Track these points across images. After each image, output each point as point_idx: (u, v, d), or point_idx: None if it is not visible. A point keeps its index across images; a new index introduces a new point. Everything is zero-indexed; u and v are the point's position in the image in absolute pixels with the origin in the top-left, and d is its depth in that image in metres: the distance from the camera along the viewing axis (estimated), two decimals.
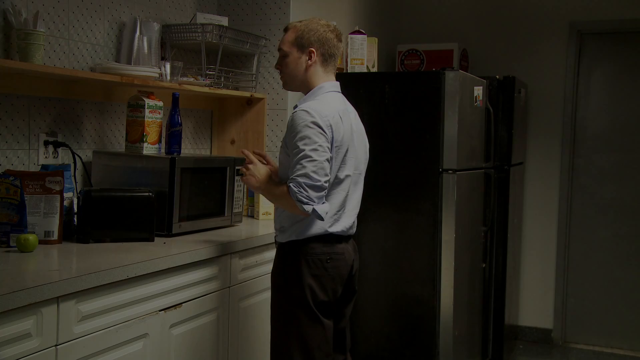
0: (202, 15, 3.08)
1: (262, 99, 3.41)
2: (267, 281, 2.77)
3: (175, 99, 2.73)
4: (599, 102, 4.58)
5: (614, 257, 4.46)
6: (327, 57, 2.28)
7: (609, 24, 4.45)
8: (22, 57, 2.28)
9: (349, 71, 3.61)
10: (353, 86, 3.48)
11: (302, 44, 2.24)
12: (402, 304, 3.39)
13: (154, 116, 2.72)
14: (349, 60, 3.62)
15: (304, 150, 2.07)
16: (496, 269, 3.95)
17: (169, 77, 2.87)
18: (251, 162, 2.32)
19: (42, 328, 1.72)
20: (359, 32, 3.63)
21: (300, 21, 2.31)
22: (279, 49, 2.31)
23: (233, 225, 2.90)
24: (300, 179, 2.06)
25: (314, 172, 2.06)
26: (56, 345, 1.77)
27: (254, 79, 3.41)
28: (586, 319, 4.52)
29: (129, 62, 2.76)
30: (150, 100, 2.71)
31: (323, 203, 2.12)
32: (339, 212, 2.25)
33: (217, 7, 3.51)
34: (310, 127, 2.09)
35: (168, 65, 2.87)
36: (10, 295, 1.60)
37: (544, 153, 4.60)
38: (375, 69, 3.77)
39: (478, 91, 3.55)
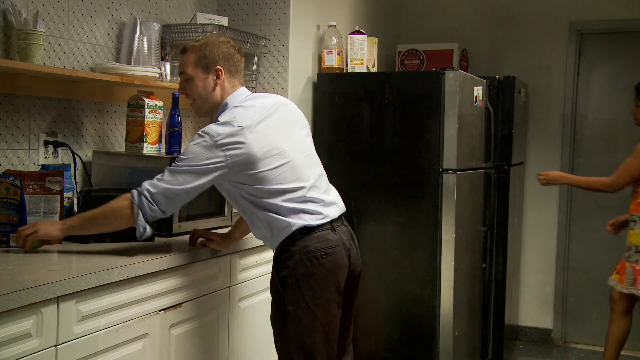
0: (202, 15, 3.08)
1: None
2: (267, 281, 2.77)
3: (175, 99, 2.73)
4: (599, 102, 4.58)
5: (614, 257, 4.45)
6: (233, 73, 2.23)
7: (609, 24, 4.45)
8: (22, 57, 2.28)
9: (349, 71, 3.61)
10: (353, 86, 3.49)
11: (206, 64, 2.19)
12: (402, 304, 3.39)
13: (154, 116, 2.72)
14: (349, 60, 3.62)
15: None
16: (496, 269, 3.95)
17: (169, 77, 2.87)
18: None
19: (42, 328, 1.72)
20: (359, 32, 3.63)
21: (198, 41, 2.25)
22: (181, 72, 2.23)
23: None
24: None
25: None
26: (56, 345, 1.76)
27: (254, 79, 3.41)
28: (586, 319, 4.52)
29: (129, 62, 2.76)
30: (150, 100, 2.71)
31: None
32: (320, 197, 2.17)
33: (217, 7, 3.51)
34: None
35: (168, 65, 2.87)
36: (10, 295, 1.60)
37: (544, 153, 4.60)
38: (375, 69, 3.77)
39: (478, 91, 3.55)
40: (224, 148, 2.04)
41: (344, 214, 2.30)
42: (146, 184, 2.07)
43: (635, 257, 3.34)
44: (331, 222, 2.18)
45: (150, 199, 2.04)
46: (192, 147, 2.07)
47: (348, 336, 2.36)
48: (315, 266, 2.12)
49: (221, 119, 2.12)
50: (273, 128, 2.15)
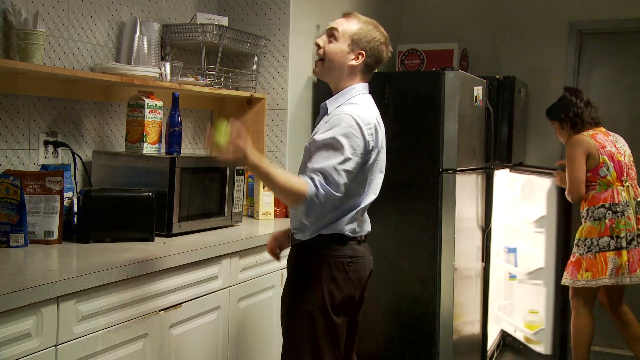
0: (202, 15, 3.08)
1: (262, 98, 3.41)
2: (267, 281, 2.77)
3: (175, 99, 2.73)
4: (598, 101, 4.54)
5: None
6: (369, 67, 2.20)
7: (609, 24, 4.45)
8: (22, 57, 2.28)
9: None
10: None
11: (357, 43, 2.16)
12: (402, 304, 3.39)
13: (154, 116, 2.72)
14: None
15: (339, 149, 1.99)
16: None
17: (168, 77, 2.87)
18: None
19: (42, 328, 1.72)
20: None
21: (366, 19, 2.24)
22: (334, 28, 2.18)
23: (233, 225, 2.89)
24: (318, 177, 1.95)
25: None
26: (56, 345, 1.76)
27: (254, 78, 3.41)
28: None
29: (129, 62, 2.76)
30: (150, 100, 2.71)
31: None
32: (364, 214, 2.22)
33: (217, 7, 3.51)
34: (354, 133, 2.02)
35: (168, 65, 2.87)
36: (10, 295, 1.60)
37: (544, 153, 4.60)
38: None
39: (478, 91, 3.55)
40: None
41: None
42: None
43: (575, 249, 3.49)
44: (363, 234, 2.21)
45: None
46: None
47: (354, 345, 2.34)
48: (340, 271, 2.10)
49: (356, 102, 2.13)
50: None
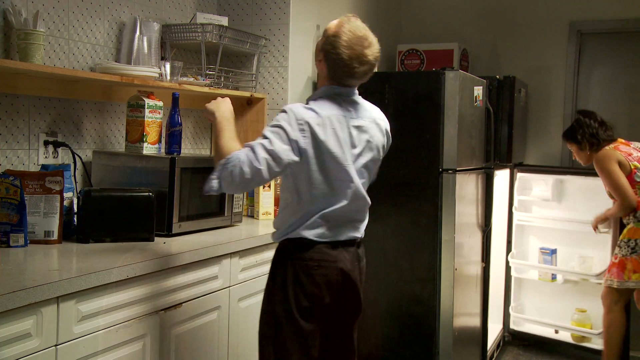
0: (202, 15, 3.08)
1: (262, 98, 3.41)
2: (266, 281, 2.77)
3: (175, 99, 2.73)
4: (599, 101, 4.58)
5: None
6: (334, 67, 2.13)
7: (609, 24, 4.45)
8: (22, 57, 2.28)
9: None
10: None
11: (320, 49, 2.18)
12: (402, 304, 3.39)
13: (153, 116, 2.72)
14: None
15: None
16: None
17: (168, 77, 2.87)
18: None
19: (42, 328, 1.72)
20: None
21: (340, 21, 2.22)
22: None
23: (233, 225, 2.89)
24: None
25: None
26: (56, 345, 1.76)
27: (254, 78, 3.41)
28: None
29: (129, 62, 2.76)
30: (150, 100, 2.71)
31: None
32: (343, 219, 2.15)
33: (217, 7, 3.51)
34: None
35: (168, 65, 2.87)
36: (10, 295, 1.60)
37: (544, 153, 4.60)
38: (375, 69, 3.76)
39: (478, 91, 3.55)
40: None
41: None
42: None
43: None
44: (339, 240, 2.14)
45: None
46: None
47: (342, 357, 2.26)
48: (305, 274, 2.07)
49: None
50: None
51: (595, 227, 3.73)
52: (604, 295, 3.58)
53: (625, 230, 3.50)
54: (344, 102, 2.17)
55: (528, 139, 4.63)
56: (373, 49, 2.20)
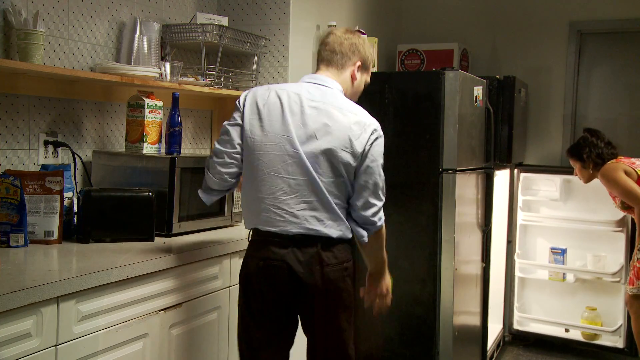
0: (202, 15, 3.08)
1: None
2: None
3: (175, 99, 2.73)
4: (599, 101, 4.58)
5: None
6: (320, 53, 2.29)
7: (609, 24, 4.45)
8: (22, 57, 2.28)
9: None
10: None
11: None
12: (402, 303, 3.39)
13: (153, 116, 2.72)
14: None
15: None
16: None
17: (168, 77, 2.87)
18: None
19: (42, 328, 1.72)
20: (359, 32, 3.62)
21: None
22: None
23: (233, 225, 2.90)
24: None
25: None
26: (56, 345, 1.77)
27: (254, 78, 3.41)
28: None
29: (129, 62, 2.76)
30: (150, 100, 2.71)
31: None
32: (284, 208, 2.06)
33: (217, 7, 3.51)
34: None
35: (168, 65, 2.87)
36: (10, 295, 1.61)
37: (544, 153, 4.60)
38: (375, 69, 3.75)
39: (478, 91, 3.55)
40: None
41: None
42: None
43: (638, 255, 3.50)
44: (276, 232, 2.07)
45: None
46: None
47: None
48: (248, 270, 2.13)
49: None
50: None
51: None
52: (630, 302, 3.56)
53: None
54: (310, 86, 2.18)
55: (528, 139, 4.63)
56: (334, 36, 2.26)
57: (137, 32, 2.80)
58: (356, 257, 2.23)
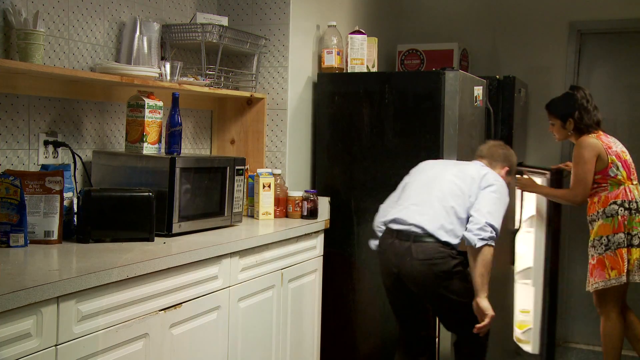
0: (202, 15, 3.08)
1: (262, 98, 3.41)
2: (267, 281, 2.78)
3: (175, 99, 2.73)
4: (599, 101, 4.54)
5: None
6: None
7: (609, 24, 4.45)
8: (22, 57, 2.28)
9: (348, 71, 3.61)
10: (353, 86, 3.49)
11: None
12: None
13: (153, 116, 2.72)
14: (349, 60, 3.62)
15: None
16: None
17: (168, 77, 2.87)
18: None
19: (42, 328, 1.72)
20: (359, 32, 3.63)
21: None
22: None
23: (233, 225, 2.89)
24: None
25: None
26: (56, 345, 1.76)
27: (254, 78, 3.41)
28: (586, 319, 4.52)
29: (129, 62, 2.76)
30: (150, 100, 2.71)
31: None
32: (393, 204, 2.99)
33: (217, 7, 3.51)
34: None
35: (168, 65, 2.87)
36: (10, 295, 1.60)
37: (544, 153, 4.60)
38: (375, 69, 3.77)
39: (478, 91, 3.55)
40: None
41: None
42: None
43: (592, 251, 3.49)
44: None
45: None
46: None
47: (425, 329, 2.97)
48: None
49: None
50: None
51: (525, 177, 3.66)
52: (598, 302, 3.54)
53: (595, 228, 3.46)
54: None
55: (528, 139, 4.63)
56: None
57: (137, 32, 2.80)
58: None
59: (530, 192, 3.69)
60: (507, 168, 2.99)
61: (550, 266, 3.97)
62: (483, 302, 2.68)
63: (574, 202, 3.52)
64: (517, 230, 3.62)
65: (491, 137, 3.76)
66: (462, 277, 2.76)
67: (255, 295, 2.71)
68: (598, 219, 3.45)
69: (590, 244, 3.49)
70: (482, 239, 2.66)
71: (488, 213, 2.71)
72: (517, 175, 3.41)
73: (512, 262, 3.62)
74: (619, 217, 3.40)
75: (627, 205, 3.41)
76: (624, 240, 3.39)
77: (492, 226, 2.68)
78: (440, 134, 3.27)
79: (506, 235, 3.61)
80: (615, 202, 3.42)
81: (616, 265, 3.38)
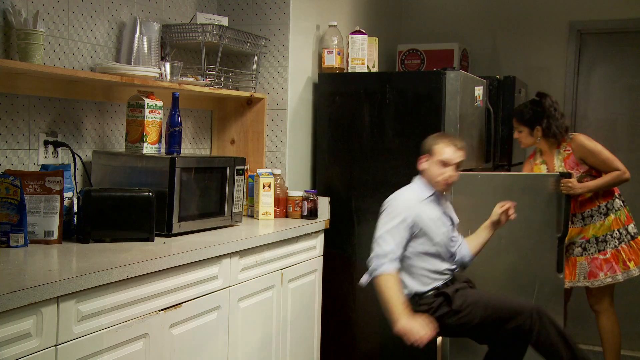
0: (202, 15, 3.08)
1: (262, 98, 3.41)
2: (267, 281, 2.78)
3: (175, 99, 2.73)
4: (599, 101, 4.58)
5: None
6: None
7: (609, 24, 4.45)
8: (22, 57, 2.28)
9: (349, 71, 3.61)
10: (353, 86, 3.49)
11: None
12: None
13: (153, 116, 2.72)
14: (349, 60, 3.62)
15: None
16: None
17: (168, 77, 2.87)
18: None
19: (42, 328, 1.72)
20: (359, 32, 3.63)
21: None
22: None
23: (233, 225, 2.89)
24: None
25: None
26: (56, 345, 1.76)
27: (253, 78, 3.41)
28: (586, 319, 4.51)
29: (129, 62, 2.76)
30: (150, 100, 2.71)
31: None
32: None
33: (217, 7, 3.51)
34: None
35: (168, 65, 2.87)
36: (10, 295, 1.60)
37: None
38: (375, 69, 3.77)
39: (478, 91, 3.55)
40: None
41: None
42: None
43: (595, 248, 3.51)
44: None
45: None
46: None
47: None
48: None
49: None
50: None
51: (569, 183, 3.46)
52: (597, 299, 3.58)
53: (607, 223, 3.47)
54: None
55: None
56: None
57: (137, 32, 2.80)
58: None
59: (580, 193, 3.47)
60: (424, 157, 2.84)
61: None
62: (399, 328, 2.62)
63: (627, 178, 3.45)
64: (563, 236, 3.50)
65: (491, 137, 3.77)
66: (438, 308, 2.75)
67: (255, 295, 2.71)
68: (607, 215, 3.48)
69: (601, 238, 3.49)
70: (366, 275, 2.75)
71: (375, 241, 2.74)
72: (563, 179, 3.41)
73: (559, 270, 3.43)
74: (625, 209, 3.50)
75: (622, 198, 3.52)
76: (637, 230, 3.51)
77: (376, 256, 2.69)
78: None
79: (549, 241, 3.43)
80: (618, 196, 3.51)
81: (633, 254, 3.46)
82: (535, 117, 3.54)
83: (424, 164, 2.85)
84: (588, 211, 3.52)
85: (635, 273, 3.47)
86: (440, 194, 2.88)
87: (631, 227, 3.50)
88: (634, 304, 4.42)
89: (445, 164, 2.78)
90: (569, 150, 3.53)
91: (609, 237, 3.48)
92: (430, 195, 2.83)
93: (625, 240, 3.47)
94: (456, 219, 2.96)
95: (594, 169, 3.48)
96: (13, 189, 2.14)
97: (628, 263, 3.45)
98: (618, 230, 3.47)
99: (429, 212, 2.79)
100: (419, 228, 2.74)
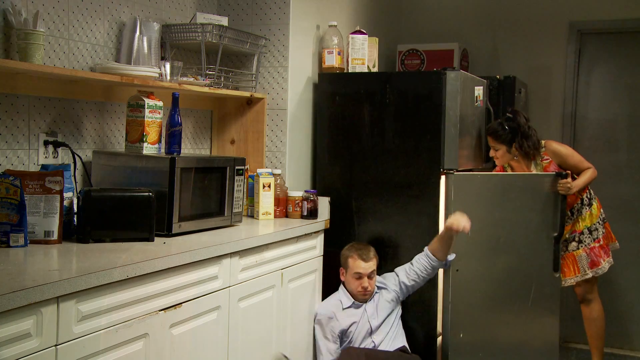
0: (202, 15, 3.08)
1: (262, 98, 3.41)
2: (267, 281, 2.78)
3: (175, 99, 2.73)
4: (599, 101, 4.58)
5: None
6: None
7: (609, 24, 4.45)
8: (22, 57, 2.28)
9: (349, 71, 3.61)
10: (354, 86, 3.49)
11: None
12: (402, 303, 3.39)
13: (153, 116, 2.72)
14: (349, 60, 3.62)
15: None
16: None
17: (168, 77, 2.87)
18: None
19: (42, 328, 1.72)
20: (359, 32, 3.63)
21: None
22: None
23: (233, 225, 2.89)
24: None
25: None
26: (56, 345, 1.76)
27: (253, 78, 3.41)
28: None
29: (128, 62, 2.76)
30: (150, 100, 2.71)
31: None
32: None
33: (217, 7, 3.51)
34: None
35: (168, 65, 2.87)
36: (10, 295, 1.60)
37: None
38: (375, 69, 3.77)
39: (478, 91, 3.55)
40: None
41: None
42: None
43: (590, 237, 3.65)
44: None
45: None
46: None
47: None
48: None
49: None
50: None
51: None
52: (588, 288, 3.70)
53: (594, 212, 3.64)
54: None
55: None
56: None
57: (137, 32, 2.80)
58: None
59: (576, 191, 3.58)
60: (341, 270, 3.25)
61: None
62: (448, 223, 3.09)
63: (596, 176, 3.63)
64: (559, 235, 3.49)
65: None
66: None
67: (255, 295, 2.71)
68: (590, 205, 3.64)
69: (588, 229, 3.64)
70: None
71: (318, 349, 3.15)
72: (561, 180, 3.43)
73: (556, 269, 3.46)
74: (595, 197, 3.71)
75: (592, 190, 3.72)
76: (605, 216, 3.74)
77: None
78: (440, 134, 3.27)
79: (546, 241, 3.46)
80: (589, 190, 3.67)
81: (611, 235, 3.73)
82: (512, 134, 3.57)
83: (342, 277, 3.22)
84: (575, 205, 3.64)
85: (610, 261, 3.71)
86: (363, 301, 3.17)
87: (602, 211, 3.72)
88: (618, 302, 4.42)
89: (360, 276, 3.12)
90: (547, 159, 3.61)
91: (597, 224, 3.65)
92: (350, 306, 3.15)
93: (602, 224, 3.69)
94: (377, 324, 3.14)
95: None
96: (13, 189, 2.14)
97: (613, 244, 3.74)
98: (601, 215, 3.66)
99: (347, 320, 3.11)
100: (339, 334, 3.10)
